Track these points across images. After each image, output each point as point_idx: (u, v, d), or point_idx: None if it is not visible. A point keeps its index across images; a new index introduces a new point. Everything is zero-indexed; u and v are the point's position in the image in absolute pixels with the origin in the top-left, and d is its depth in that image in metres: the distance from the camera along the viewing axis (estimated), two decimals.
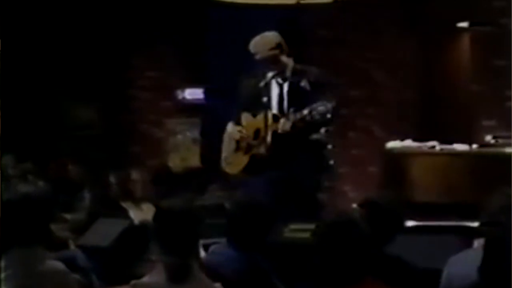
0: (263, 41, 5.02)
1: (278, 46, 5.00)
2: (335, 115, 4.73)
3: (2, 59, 6.77)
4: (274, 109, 5.00)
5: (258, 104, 5.04)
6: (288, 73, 5.00)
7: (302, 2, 6.97)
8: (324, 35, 8.13)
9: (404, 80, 8.45)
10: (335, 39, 8.20)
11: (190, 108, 8.62)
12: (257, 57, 5.02)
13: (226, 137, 5.24)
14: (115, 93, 8.42)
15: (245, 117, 5.13)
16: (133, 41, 8.42)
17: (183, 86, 8.61)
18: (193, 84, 8.60)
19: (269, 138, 4.93)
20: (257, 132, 5.03)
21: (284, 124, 4.87)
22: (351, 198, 7.96)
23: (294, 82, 4.96)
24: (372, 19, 8.25)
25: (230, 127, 5.18)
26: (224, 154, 5.24)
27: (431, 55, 8.27)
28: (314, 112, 4.68)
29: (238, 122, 5.16)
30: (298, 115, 4.81)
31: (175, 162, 8.44)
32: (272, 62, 4.98)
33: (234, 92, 7.30)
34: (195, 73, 8.58)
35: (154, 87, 8.62)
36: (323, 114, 4.65)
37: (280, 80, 5.02)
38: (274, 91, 5.03)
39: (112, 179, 6.64)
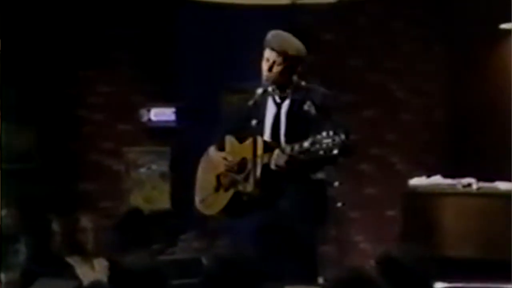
0: (290, 43, 5.07)
1: (298, 59, 5.05)
2: (344, 149, 4.72)
3: None
4: (267, 135, 5.04)
5: (245, 128, 5.07)
6: (289, 91, 5.06)
7: (298, 2, 7.05)
8: (329, 41, 8.23)
9: (431, 97, 8.54)
10: (343, 45, 8.29)
11: (157, 133, 8.66)
12: (266, 57, 5.05)
13: (204, 164, 5.27)
14: (58, 114, 8.44)
15: (230, 141, 5.16)
16: (82, 47, 8.47)
17: (148, 105, 8.65)
18: (161, 102, 8.65)
19: (258, 173, 4.94)
20: (243, 162, 5.06)
21: (278, 158, 4.88)
22: (364, 251, 7.99)
23: (295, 103, 5.01)
24: (389, 20, 8.35)
25: (212, 151, 5.22)
26: (199, 189, 5.26)
27: (466, 66, 8.35)
28: (317, 146, 4.68)
29: (220, 148, 5.19)
30: (297, 147, 4.81)
31: (137, 204, 8.42)
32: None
33: (214, 113, 7.35)
34: (163, 88, 8.63)
35: (110, 106, 8.65)
36: (329, 150, 4.66)
37: (278, 99, 5.08)
38: (269, 111, 5.07)
39: (55, 226, 6.64)
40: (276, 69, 5.02)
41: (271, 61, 5.02)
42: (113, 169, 8.61)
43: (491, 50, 8.27)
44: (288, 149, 4.87)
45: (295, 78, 5.07)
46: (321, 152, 4.67)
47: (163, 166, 8.66)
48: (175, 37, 8.51)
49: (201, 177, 5.28)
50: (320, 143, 4.67)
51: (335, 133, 4.65)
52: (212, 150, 5.22)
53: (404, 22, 8.41)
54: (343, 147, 4.67)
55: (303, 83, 5.07)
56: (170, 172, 8.61)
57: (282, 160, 4.86)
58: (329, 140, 4.65)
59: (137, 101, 8.64)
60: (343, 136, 4.64)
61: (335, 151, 4.65)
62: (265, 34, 5.16)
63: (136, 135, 8.65)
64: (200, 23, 8.28)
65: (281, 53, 5.00)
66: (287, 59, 5.01)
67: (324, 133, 4.67)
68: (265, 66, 5.05)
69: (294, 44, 5.08)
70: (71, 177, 8.40)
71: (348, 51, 8.34)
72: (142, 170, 8.65)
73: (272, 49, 5.02)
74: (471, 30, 8.18)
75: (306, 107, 4.89)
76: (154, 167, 8.67)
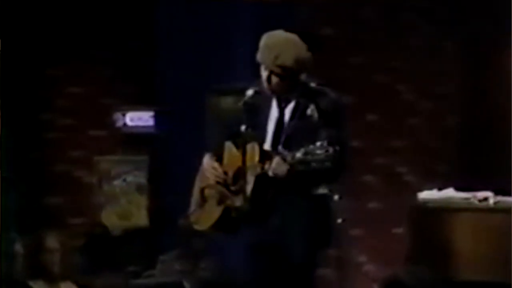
0: (285, 52, 4.91)
1: (298, 69, 4.95)
2: (340, 163, 4.66)
3: None
4: (268, 142, 5.00)
5: (238, 133, 5.04)
6: (296, 93, 4.97)
7: None
8: (328, 37, 8.24)
9: (442, 100, 8.55)
10: (345, 41, 8.30)
11: (133, 140, 8.65)
12: (263, 67, 4.98)
13: (199, 173, 5.24)
14: (21, 119, 8.43)
15: (228, 148, 5.12)
16: (48, 42, 8.46)
17: (123, 108, 8.65)
18: (138, 105, 8.65)
19: (249, 186, 4.90)
20: (237, 173, 5.02)
21: (277, 166, 4.82)
22: (367, 274, 7.99)
23: (299, 106, 4.94)
24: (395, 14, 8.37)
25: (206, 159, 5.18)
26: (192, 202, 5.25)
27: (482, 66, 8.37)
28: (309, 157, 4.65)
29: (218, 155, 5.14)
30: (289, 158, 4.75)
31: (111, 221, 8.43)
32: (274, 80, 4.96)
33: (198, 118, 7.33)
34: (141, 89, 8.63)
35: (80, 109, 8.65)
36: (320, 162, 4.61)
37: (282, 102, 5.03)
38: (272, 115, 5.03)
39: (18, 247, 6.61)
40: (274, 79, 4.94)
41: (267, 72, 4.93)
42: (83, 181, 8.61)
43: (510, 49, 8.29)
44: (289, 157, 4.79)
45: (303, 77, 4.99)
46: (314, 164, 4.64)
47: (140, 177, 8.66)
48: (154, 31, 8.50)
49: (195, 188, 5.26)
50: (313, 154, 4.65)
51: (329, 144, 4.62)
52: (206, 157, 5.18)
53: (413, 16, 8.43)
54: (338, 161, 4.61)
55: (312, 84, 5.00)
56: (148, 184, 8.60)
57: (283, 169, 4.80)
58: (321, 151, 4.62)
59: (111, 103, 8.64)
60: (338, 148, 4.60)
61: (328, 164, 4.61)
62: (257, 29, 5.12)
63: (109, 142, 8.66)
64: (184, 17, 8.28)
65: (275, 67, 4.90)
66: (285, 71, 4.91)
67: (318, 143, 4.64)
68: (263, 75, 4.97)
69: (289, 52, 4.93)
70: (36, 190, 8.40)
71: (349, 47, 8.36)
72: (116, 182, 8.65)
73: (265, 66, 4.93)
74: (487, 26, 8.20)
75: (309, 111, 4.82)
76: (129, 178, 8.67)
